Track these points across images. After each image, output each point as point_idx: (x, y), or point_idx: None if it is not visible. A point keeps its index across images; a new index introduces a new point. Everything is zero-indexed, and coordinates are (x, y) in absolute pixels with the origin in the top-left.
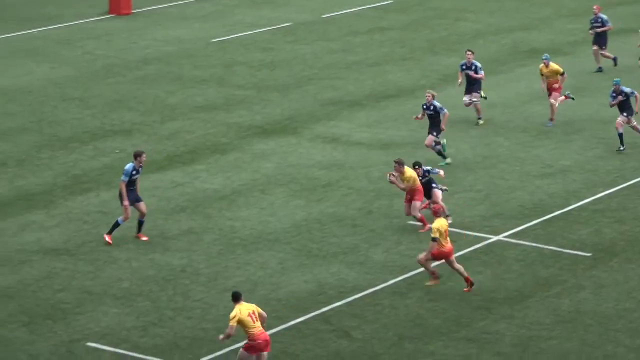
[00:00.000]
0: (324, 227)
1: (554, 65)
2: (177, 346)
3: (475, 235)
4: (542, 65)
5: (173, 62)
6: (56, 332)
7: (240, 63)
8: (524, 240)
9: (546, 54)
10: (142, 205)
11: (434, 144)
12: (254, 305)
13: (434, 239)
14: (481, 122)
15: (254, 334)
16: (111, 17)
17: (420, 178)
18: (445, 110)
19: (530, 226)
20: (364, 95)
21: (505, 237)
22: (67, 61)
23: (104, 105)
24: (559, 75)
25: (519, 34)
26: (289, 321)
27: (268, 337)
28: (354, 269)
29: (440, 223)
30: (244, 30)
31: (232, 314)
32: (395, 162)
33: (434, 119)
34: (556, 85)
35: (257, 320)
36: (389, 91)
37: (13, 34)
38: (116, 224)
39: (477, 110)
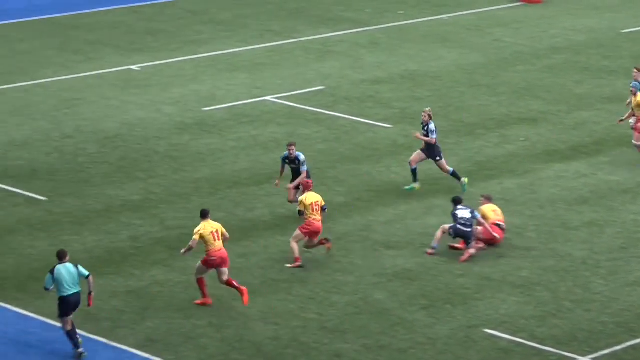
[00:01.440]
0: None
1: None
2: (574, 338)
3: None
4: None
5: (582, 51)
6: (455, 316)
7: None
8: None
9: (635, 82)
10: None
11: (450, 170)
12: (219, 225)
13: (300, 212)
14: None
15: (211, 250)
16: (522, 5)
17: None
18: (435, 136)
19: None
20: None
21: None
22: (476, 48)
23: (511, 92)
24: None
25: None
26: None
27: (224, 255)
28: None
29: (306, 196)
30: None
31: (196, 229)
32: (483, 196)
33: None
34: None
35: (218, 240)
36: None
37: (425, 19)
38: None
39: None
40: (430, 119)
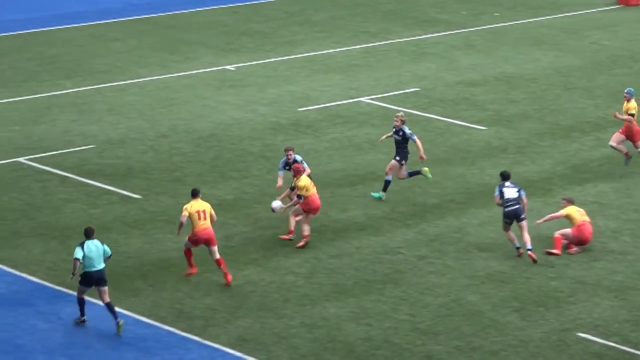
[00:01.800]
0: None
1: (631, 104)
2: None
3: None
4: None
5: None
6: (548, 319)
7: None
8: None
9: (630, 88)
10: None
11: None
12: (207, 205)
13: (299, 197)
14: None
15: (196, 228)
16: (620, 7)
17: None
18: (416, 137)
19: None
20: None
21: None
22: (572, 50)
23: (607, 95)
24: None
25: None
26: None
27: (210, 234)
28: None
29: (300, 180)
30: None
31: (184, 207)
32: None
33: (400, 145)
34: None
35: (204, 219)
36: None
37: (521, 22)
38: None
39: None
40: (403, 123)
